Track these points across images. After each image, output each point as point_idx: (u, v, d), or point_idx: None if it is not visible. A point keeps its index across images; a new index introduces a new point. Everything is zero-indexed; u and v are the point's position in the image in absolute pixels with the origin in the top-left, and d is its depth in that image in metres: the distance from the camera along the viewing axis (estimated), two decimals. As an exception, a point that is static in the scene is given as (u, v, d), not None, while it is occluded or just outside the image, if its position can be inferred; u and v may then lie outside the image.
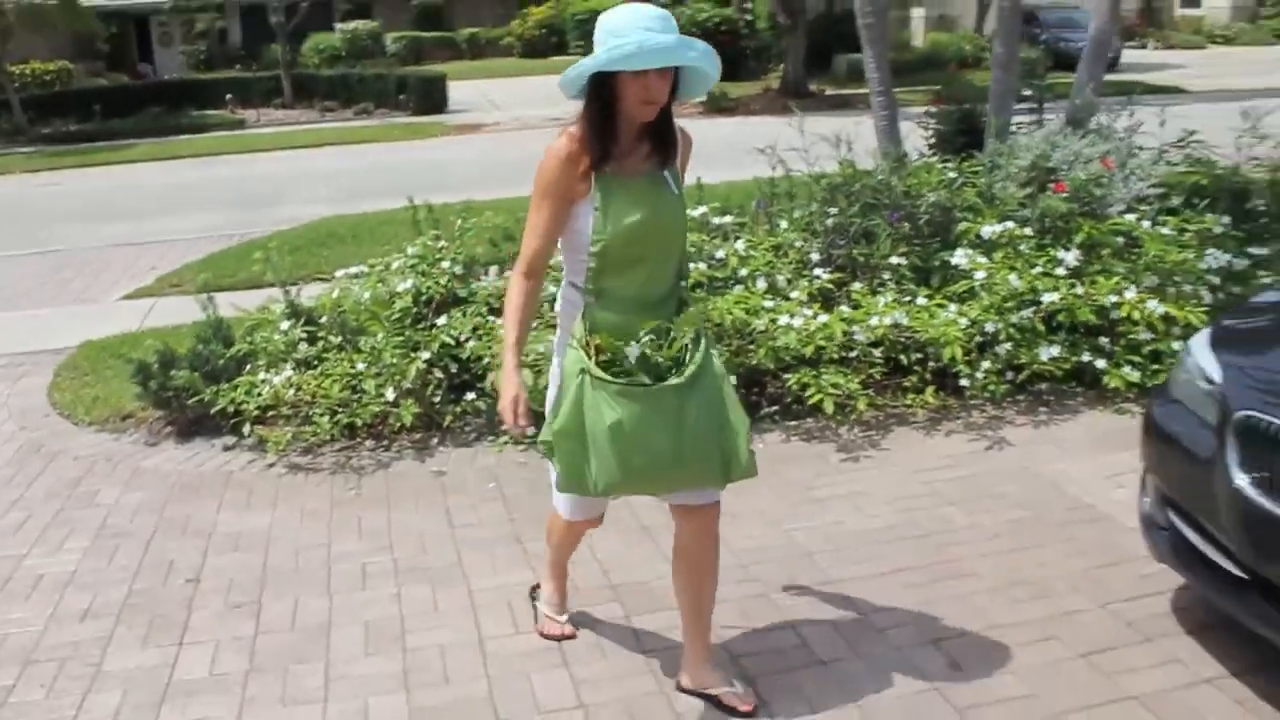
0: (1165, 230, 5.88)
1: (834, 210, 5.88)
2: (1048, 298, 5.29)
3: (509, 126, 20.03)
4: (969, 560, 3.94)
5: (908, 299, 5.45)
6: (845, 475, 4.74)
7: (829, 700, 3.18)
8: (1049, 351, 5.25)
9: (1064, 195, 5.90)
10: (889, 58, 7.93)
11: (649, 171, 2.90)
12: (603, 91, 2.76)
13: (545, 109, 21.74)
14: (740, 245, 5.80)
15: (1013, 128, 7.33)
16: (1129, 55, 32.68)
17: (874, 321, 5.20)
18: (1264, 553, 2.90)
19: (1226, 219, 6.08)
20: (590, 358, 2.77)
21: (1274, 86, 18.30)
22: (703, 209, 6.05)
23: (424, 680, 3.39)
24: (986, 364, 5.25)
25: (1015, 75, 7.55)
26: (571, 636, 3.52)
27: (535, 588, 3.71)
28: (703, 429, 2.78)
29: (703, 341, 2.85)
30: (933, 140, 8.62)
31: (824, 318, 5.26)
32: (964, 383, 5.23)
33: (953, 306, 5.35)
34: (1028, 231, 5.73)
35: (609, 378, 2.74)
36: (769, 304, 5.30)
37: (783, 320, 5.11)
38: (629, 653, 3.47)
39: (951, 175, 6.22)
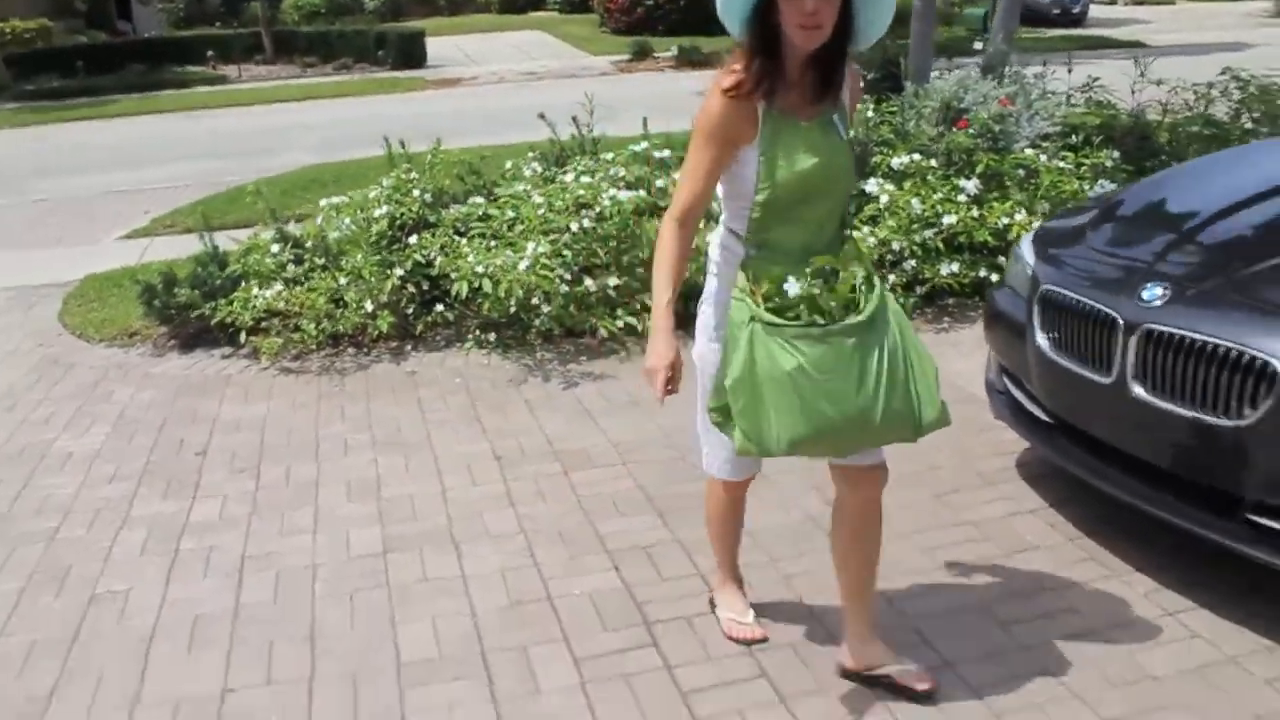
0: (1063, 164, 6.62)
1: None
2: (947, 220, 6.02)
3: (485, 81, 20.59)
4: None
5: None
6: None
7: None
8: (949, 267, 5.99)
9: (968, 131, 6.63)
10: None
11: (818, 113, 2.64)
12: (765, 17, 2.51)
13: (521, 63, 22.34)
14: (678, 177, 6.50)
15: (936, 72, 8.05)
16: (1098, 11, 33.25)
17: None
18: (1058, 398, 3.67)
19: (1117, 154, 6.82)
20: (758, 305, 2.56)
21: (1228, 41, 18.93)
22: (644, 144, 6.73)
23: (395, 518, 4.14)
24: (893, 278, 5.98)
25: (931, 24, 8.26)
26: (763, 639, 3.28)
27: (711, 601, 3.45)
28: (891, 375, 2.56)
29: (876, 282, 2.62)
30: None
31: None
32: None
33: (866, 229, 6.08)
34: (934, 163, 6.45)
35: (783, 320, 2.53)
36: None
37: (708, 238, 5.82)
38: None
39: (869, 115, 6.94)
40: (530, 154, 7.12)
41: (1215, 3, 35.46)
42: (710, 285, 2.87)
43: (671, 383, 2.70)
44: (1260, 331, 3.05)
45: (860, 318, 2.54)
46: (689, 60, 21.41)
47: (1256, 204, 3.83)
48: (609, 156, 6.67)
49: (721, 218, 2.79)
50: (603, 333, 5.71)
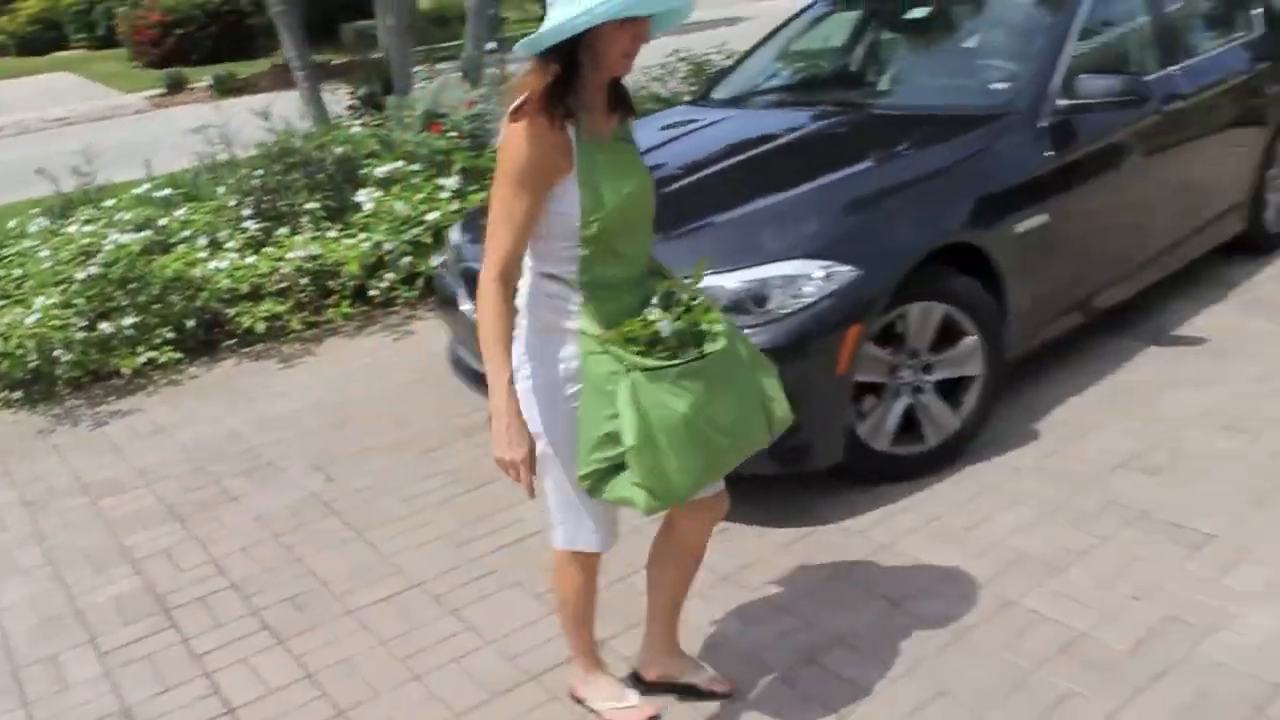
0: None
1: (260, 172, 7.09)
2: (431, 216, 6.76)
3: (9, 132, 19.61)
4: (362, 411, 5.35)
5: (323, 234, 6.77)
6: (281, 378, 6.01)
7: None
8: (439, 258, 6.74)
9: (444, 134, 7.41)
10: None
11: (617, 132, 2.53)
12: (578, 44, 2.32)
13: (47, 109, 21.33)
14: (181, 213, 6.91)
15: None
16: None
17: (292, 255, 6.49)
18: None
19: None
20: (627, 352, 2.42)
21: (726, 16, 20.83)
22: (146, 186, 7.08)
23: None
24: (390, 275, 6.66)
25: (408, 40, 9.02)
26: (655, 717, 3.02)
27: (577, 698, 3.11)
28: (753, 385, 2.58)
29: (701, 294, 2.59)
30: (355, 102, 9.92)
31: (253, 259, 6.50)
32: (372, 293, 6.64)
33: (362, 235, 6.73)
34: (417, 167, 7.18)
35: (665, 363, 2.40)
36: (204, 255, 6.47)
37: (212, 265, 6.31)
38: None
39: (355, 130, 7.59)
40: (33, 211, 7.27)
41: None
42: (522, 346, 2.59)
43: (534, 469, 2.50)
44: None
45: (724, 341, 2.48)
46: (226, 88, 21.26)
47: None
48: (111, 203, 6.96)
49: (530, 266, 2.56)
50: (126, 371, 6.04)
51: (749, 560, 3.76)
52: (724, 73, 6.18)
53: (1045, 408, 4.61)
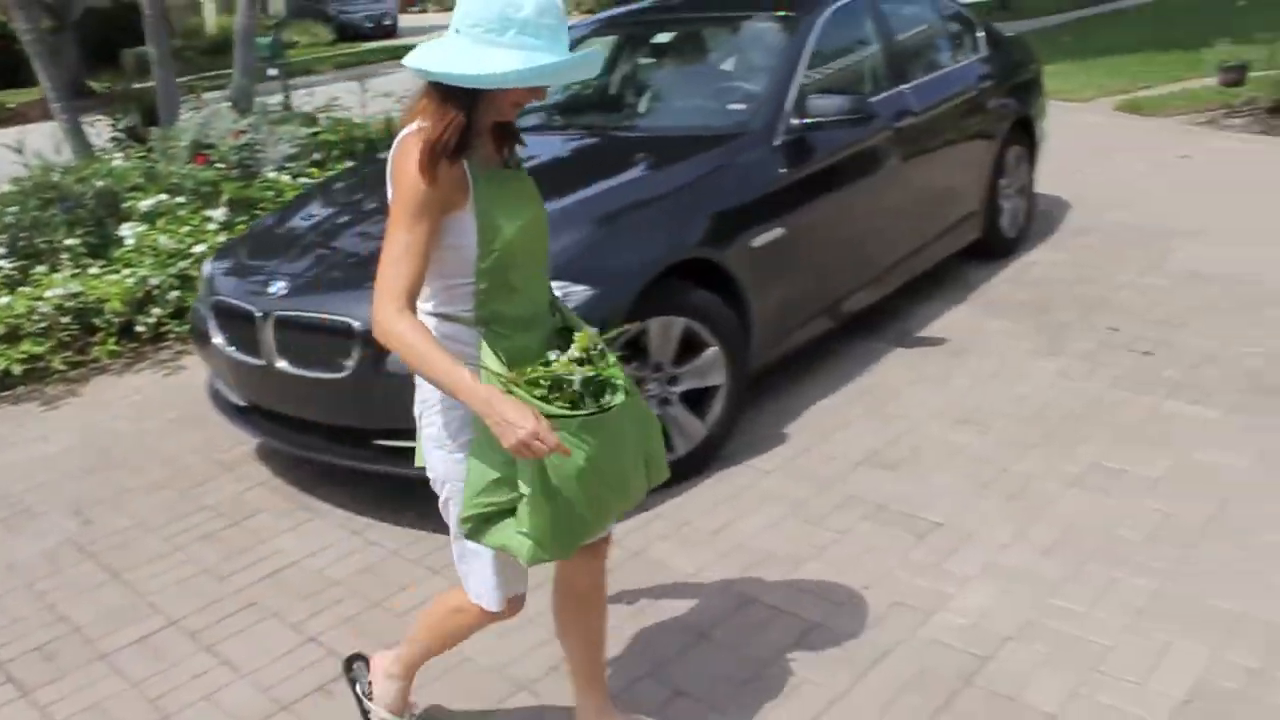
0: (309, 180, 7.46)
1: (14, 209, 6.83)
2: (198, 249, 6.64)
3: None
4: (126, 450, 5.21)
5: (84, 271, 6.57)
6: (42, 421, 5.80)
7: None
8: (210, 291, 6.62)
9: (210, 165, 7.28)
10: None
11: (508, 161, 2.48)
12: (479, 94, 2.25)
13: None
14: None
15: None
16: (409, 20, 35.31)
17: (51, 294, 6.27)
18: (241, 386, 4.44)
19: (351, 164, 7.78)
20: (530, 396, 2.29)
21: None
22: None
23: None
24: (158, 310, 6.51)
25: (171, 69, 8.83)
26: None
27: (354, 663, 3.17)
28: (637, 441, 2.51)
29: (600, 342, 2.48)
30: (119, 134, 9.63)
31: (7, 299, 6.26)
32: (140, 329, 6.47)
33: (126, 270, 6.55)
34: (183, 199, 7.04)
35: (568, 412, 2.30)
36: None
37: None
38: None
39: (118, 162, 7.40)
40: None
41: None
42: (422, 393, 2.52)
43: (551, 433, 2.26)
44: (345, 302, 3.97)
45: (623, 395, 2.39)
46: (-4, 119, 20.30)
47: (352, 209, 4.84)
48: None
49: (423, 305, 2.44)
50: None
51: (506, 576, 3.84)
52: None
53: (795, 411, 4.83)
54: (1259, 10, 15.48)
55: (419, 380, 2.49)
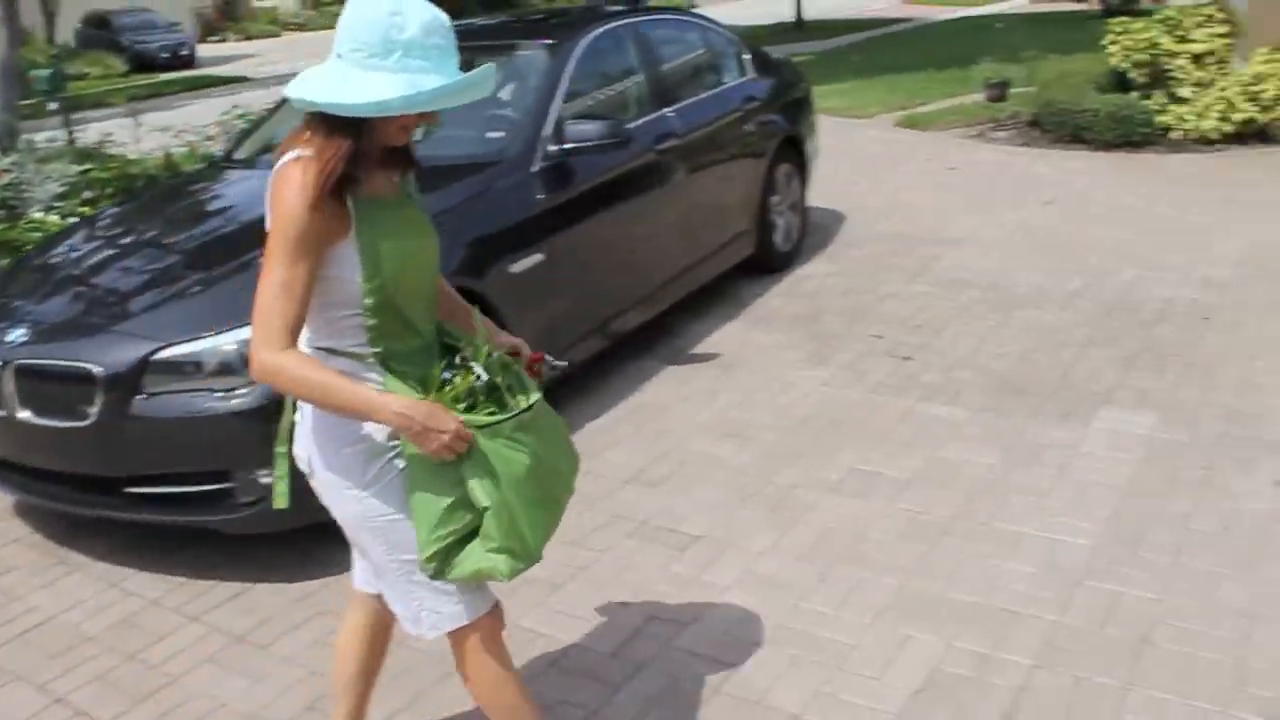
0: (77, 219, 7.17)
1: None
2: (-45, 296, 6.32)
3: None
4: None
5: None
6: None
7: None
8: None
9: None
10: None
11: (397, 187, 2.37)
12: (364, 121, 2.16)
13: None
14: None
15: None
16: (208, 50, 34.39)
17: None
18: None
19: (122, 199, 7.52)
20: (456, 412, 2.23)
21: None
22: None
23: None
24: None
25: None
26: None
27: None
28: (556, 427, 2.49)
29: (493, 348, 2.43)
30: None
31: None
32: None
33: None
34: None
35: (498, 418, 2.25)
36: None
37: None
38: None
39: None
40: None
41: (319, 32, 38.25)
42: (307, 436, 2.38)
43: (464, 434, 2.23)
44: (85, 347, 3.84)
45: (539, 393, 2.38)
46: None
47: (109, 247, 4.67)
48: None
49: (307, 342, 2.31)
50: None
51: (266, 617, 3.76)
52: (246, 133, 6.15)
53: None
54: (1014, 31, 16.44)
55: (304, 422, 2.37)
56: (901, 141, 10.93)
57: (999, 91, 11.78)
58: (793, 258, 7.04)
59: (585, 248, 4.94)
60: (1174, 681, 3.09)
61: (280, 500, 2.43)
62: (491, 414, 2.27)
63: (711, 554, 3.90)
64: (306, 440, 2.37)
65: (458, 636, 2.47)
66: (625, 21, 5.89)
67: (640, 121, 5.50)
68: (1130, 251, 6.91)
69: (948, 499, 4.13)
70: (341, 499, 2.37)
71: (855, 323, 5.97)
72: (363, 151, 2.17)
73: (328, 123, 2.14)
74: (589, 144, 4.84)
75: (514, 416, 2.27)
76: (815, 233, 7.62)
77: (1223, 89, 9.33)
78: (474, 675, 2.52)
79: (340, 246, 2.19)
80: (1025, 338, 5.60)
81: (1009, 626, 3.38)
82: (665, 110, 5.77)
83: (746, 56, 6.89)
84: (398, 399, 2.18)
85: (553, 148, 4.85)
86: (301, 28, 39.75)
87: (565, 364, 2.84)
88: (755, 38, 19.70)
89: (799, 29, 23.81)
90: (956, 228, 7.67)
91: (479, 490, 2.26)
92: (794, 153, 7.04)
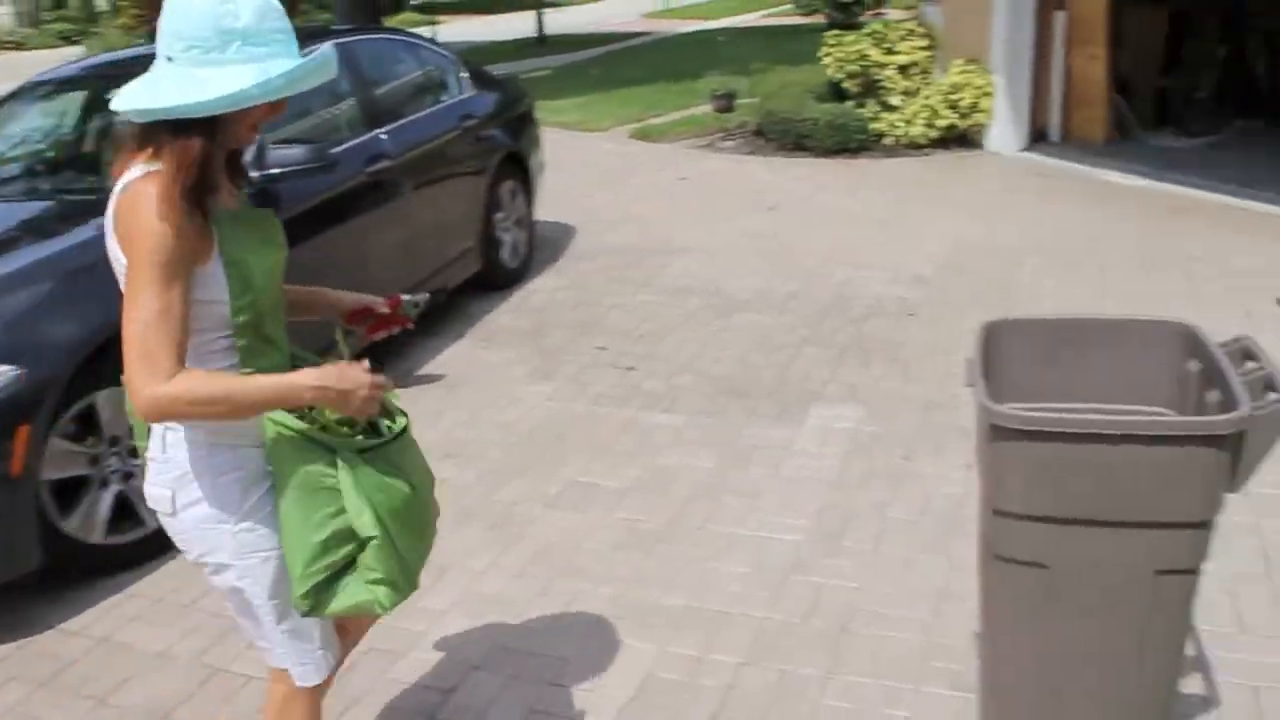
0: None
1: None
2: None
3: None
4: None
5: None
6: None
7: None
8: None
9: None
10: None
11: (242, 199, 2.27)
12: (216, 119, 2.02)
13: None
14: None
15: None
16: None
17: None
18: None
19: None
20: (335, 436, 2.15)
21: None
22: None
23: None
24: None
25: None
26: None
27: None
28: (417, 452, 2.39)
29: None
30: None
31: None
32: None
33: None
34: None
35: (378, 441, 2.19)
36: None
37: None
38: None
39: None
40: None
41: (38, 51, 36.12)
42: (177, 469, 2.17)
43: (372, 377, 2.14)
44: None
45: (405, 417, 2.30)
46: None
47: None
48: None
49: None
50: None
51: (-52, 689, 3.50)
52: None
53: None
54: (743, 44, 17.04)
55: (163, 455, 2.17)
56: (635, 154, 11.12)
57: (726, 103, 12.14)
58: (522, 273, 7.06)
59: (294, 273, 4.79)
60: (870, 665, 3.24)
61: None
62: (370, 438, 2.20)
63: (430, 577, 3.79)
64: (168, 475, 2.18)
65: (293, 690, 2.38)
66: (332, 42, 5.75)
67: (351, 143, 5.40)
68: (845, 253, 7.24)
69: (665, 506, 4.21)
70: (213, 535, 2.18)
71: (582, 335, 6.02)
72: (215, 156, 2.05)
73: (177, 130, 1.99)
74: (293, 169, 4.72)
75: (393, 439, 2.20)
76: (546, 247, 7.66)
77: (926, 97, 9.89)
78: None
79: (205, 267, 2.04)
80: (744, 340, 5.78)
81: (720, 628, 3.47)
82: (377, 131, 5.68)
83: (464, 75, 6.87)
84: (304, 374, 2.08)
85: (255, 174, 4.70)
86: (20, 46, 37.31)
87: (426, 295, 2.71)
88: (498, 54, 19.86)
89: (542, 44, 23.93)
90: (685, 236, 7.85)
91: (363, 520, 2.14)
92: (518, 169, 7.07)
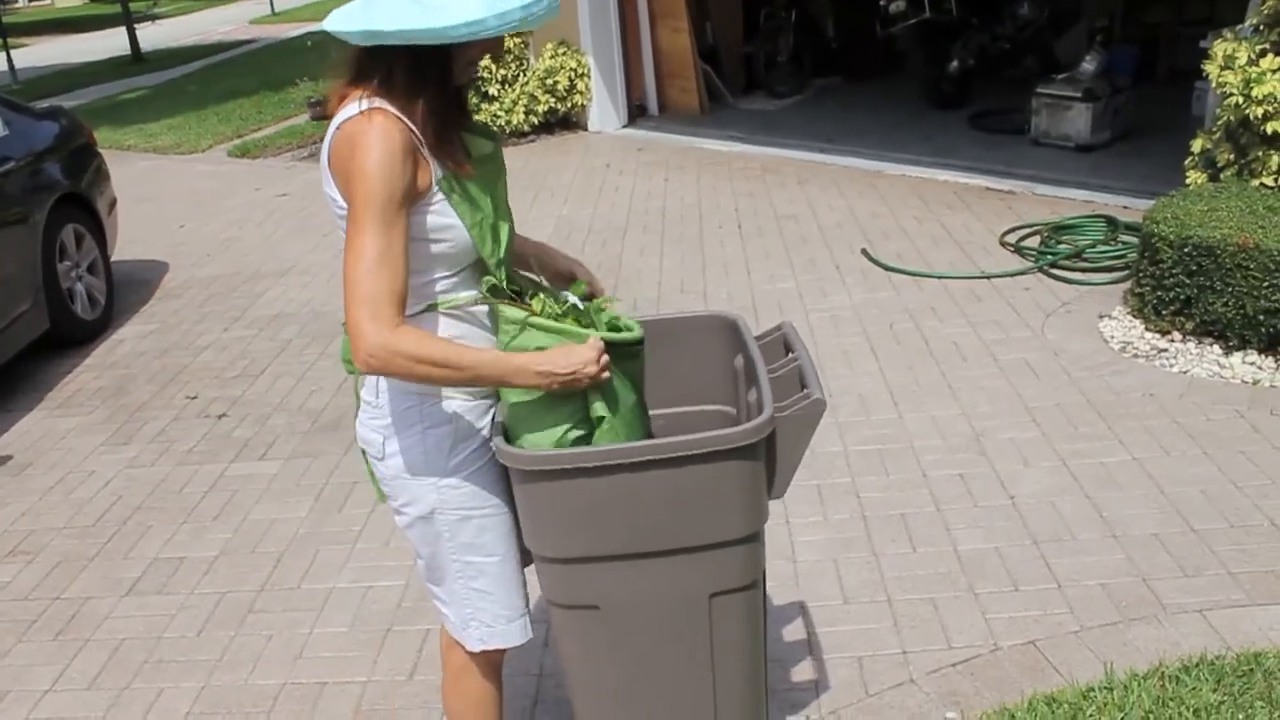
0: None
1: None
2: None
3: None
4: None
5: None
6: None
7: None
8: None
9: None
10: None
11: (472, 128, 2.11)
12: (448, 50, 1.87)
13: None
14: None
15: None
16: None
17: None
18: None
19: None
20: (576, 327, 2.03)
21: None
22: None
23: None
24: None
25: None
26: None
27: None
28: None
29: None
30: None
31: None
32: None
33: None
34: None
35: (634, 334, 2.10)
36: None
37: None
38: None
39: None
40: None
41: None
42: (386, 418, 2.08)
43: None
44: None
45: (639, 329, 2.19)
46: None
47: None
48: None
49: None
50: None
51: None
52: None
53: None
54: (321, 51, 16.49)
55: (376, 401, 2.09)
56: (233, 173, 10.43)
57: (322, 109, 11.62)
58: (104, 324, 6.40)
59: None
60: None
61: (379, 497, 2.22)
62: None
63: (-10, 706, 3.34)
64: (377, 420, 2.10)
65: (467, 659, 2.31)
66: None
67: None
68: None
69: (257, 569, 3.87)
70: (416, 488, 2.11)
71: (170, 385, 5.52)
72: (448, 92, 1.95)
73: (410, 63, 1.86)
74: None
75: (640, 340, 2.12)
76: (131, 290, 7.01)
77: (525, 84, 9.79)
78: (465, 695, 2.36)
79: (424, 201, 1.93)
80: (341, 368, 5.45)
81: (318, 703, 3.18)
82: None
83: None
84: (531, 357, 1.95)
85: None
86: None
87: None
88: (89, 76, 18.30)
89: (139, 62, 22.32)
90: (283, 257, 7.40)
91: (598, 405, 2.05)
92: (81, 210, 6.40)
